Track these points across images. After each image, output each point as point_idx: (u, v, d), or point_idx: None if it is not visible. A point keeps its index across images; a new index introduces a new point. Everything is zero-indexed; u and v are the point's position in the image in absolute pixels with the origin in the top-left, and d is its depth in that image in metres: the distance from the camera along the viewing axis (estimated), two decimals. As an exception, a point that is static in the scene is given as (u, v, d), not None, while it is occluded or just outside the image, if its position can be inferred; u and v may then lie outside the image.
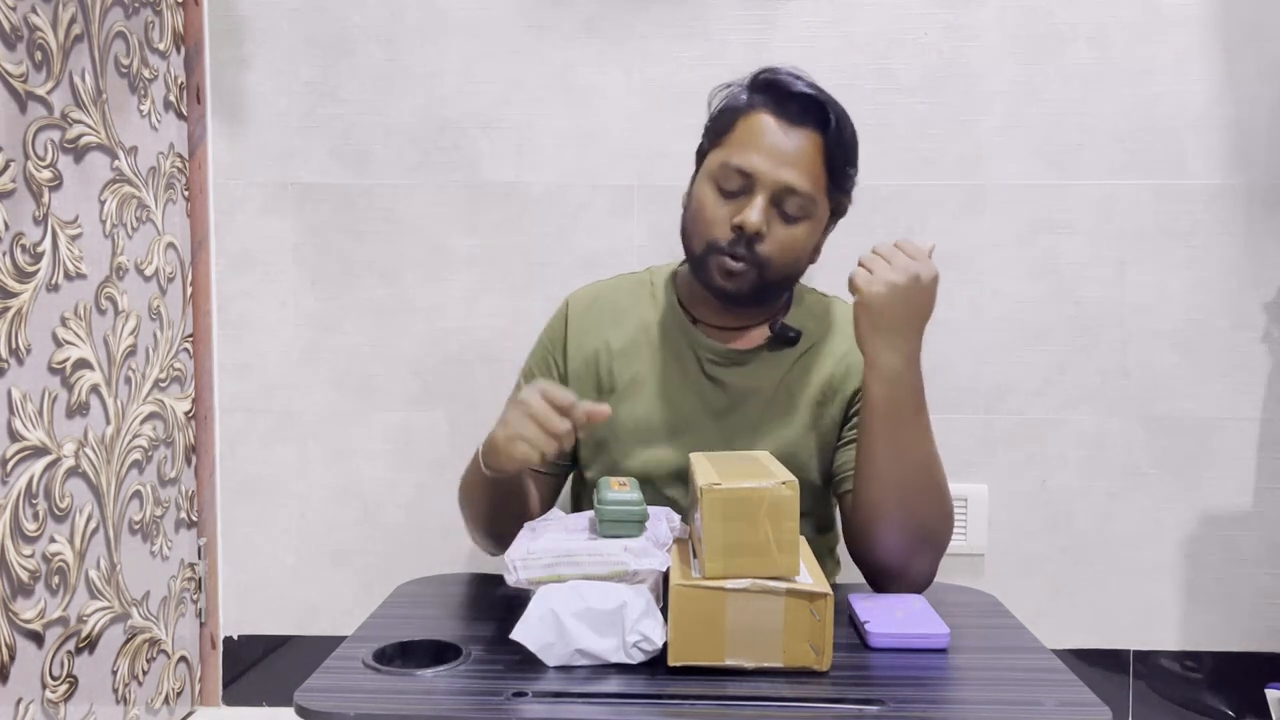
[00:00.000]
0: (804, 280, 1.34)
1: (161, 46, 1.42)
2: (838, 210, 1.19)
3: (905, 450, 1.07)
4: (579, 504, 1.31)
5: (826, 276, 1.46)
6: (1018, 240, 1.47)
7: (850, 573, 1.43)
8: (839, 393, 1.20)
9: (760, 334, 1.21)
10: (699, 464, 0.95)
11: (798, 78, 1.13)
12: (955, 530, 1.45)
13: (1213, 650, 1.50)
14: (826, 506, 1.26)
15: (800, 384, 1.19)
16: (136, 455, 1.36)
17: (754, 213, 1.09)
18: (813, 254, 1.19)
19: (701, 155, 1.19)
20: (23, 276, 1.13)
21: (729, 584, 0.85)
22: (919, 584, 1.11)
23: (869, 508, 1.09)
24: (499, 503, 1.13)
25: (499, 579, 0.94)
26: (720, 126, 1.15)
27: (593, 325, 1.24)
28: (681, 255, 1.21)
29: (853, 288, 1.04)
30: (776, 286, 1.16)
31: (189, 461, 1.51)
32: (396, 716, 0.81)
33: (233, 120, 1.51)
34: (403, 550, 1.54)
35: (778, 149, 1.10)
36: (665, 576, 0.91)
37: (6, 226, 1.10)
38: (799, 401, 1.19)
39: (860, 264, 1.05)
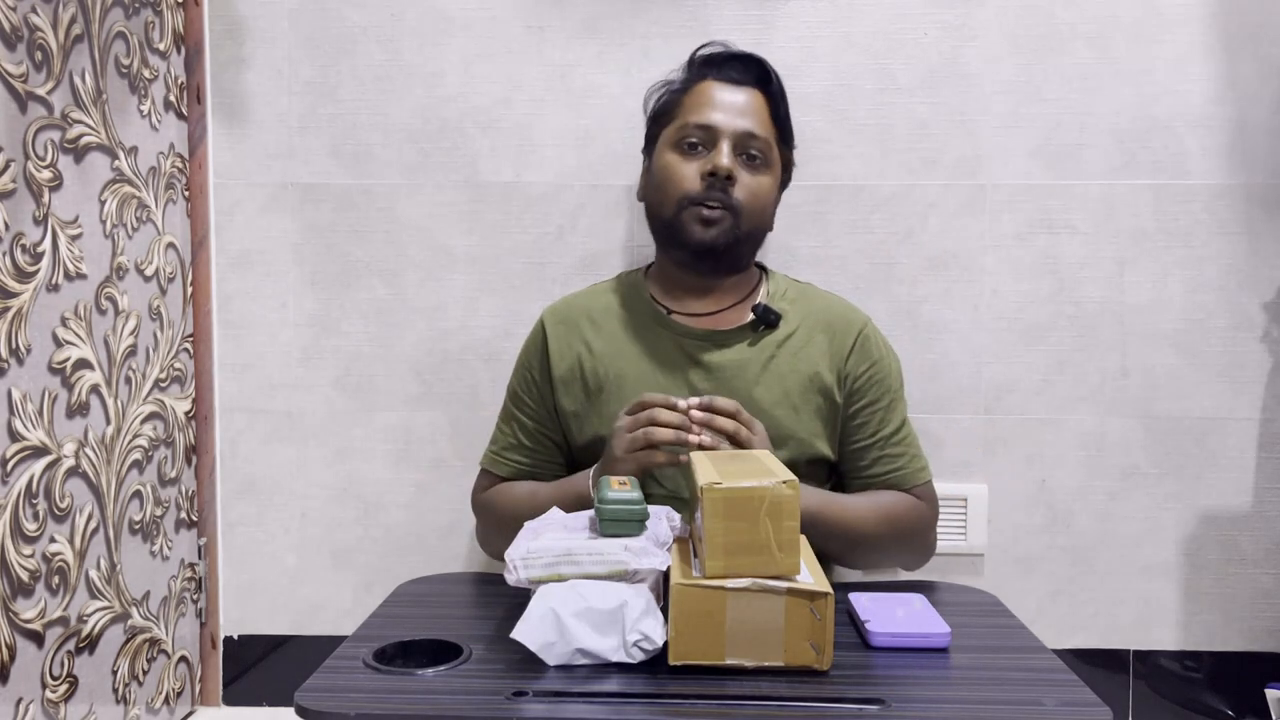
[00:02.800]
0: (791, 273, 1.35)
1: (161, 47, 1.42)
2: (787, 167, 1.26)
3: (827, 534, 1.13)
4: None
5: (824, 275, 1.46)
6: (1018, 240, 1.47)
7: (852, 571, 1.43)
8: (830, 399, 1.23)
9: (736, 315, 1.25)
10: (699, 463, 0.95)
11: (728, 46, 1.24)
12: (955, 530, 1.48)
13: (1213, 650, 1.49)
14: (830, 470, 1.28)
15: (790, 367, 1.22)
16: (136, 455, 1.36)
17: (724, 157, 1.16)
18: (774, 212, 1.26)
19: (651, 142, 1.26)
20: (23, 276, 1.13)
21: (729, 583, 0.85)
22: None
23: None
24: None
25: (499, 579, 0.94)
26: (666, 107, 1.24)
27: (571, 333, 1.28)
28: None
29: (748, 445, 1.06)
30: (748, 241, 1.21)
31: (189, 461, 1.51)
32: (396, 716, 0.81)
33: (233, 120, 1.51)
34: (403, 550, 1.54)
35: (730, 103, 1.19)
36: (666, 575, 0.91)
37: (6, 226, 1.10)
38: (790, 384, 1.21)
39: (736, 432, 1.06)
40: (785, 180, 1.27)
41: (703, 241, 1.17)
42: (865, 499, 1.21)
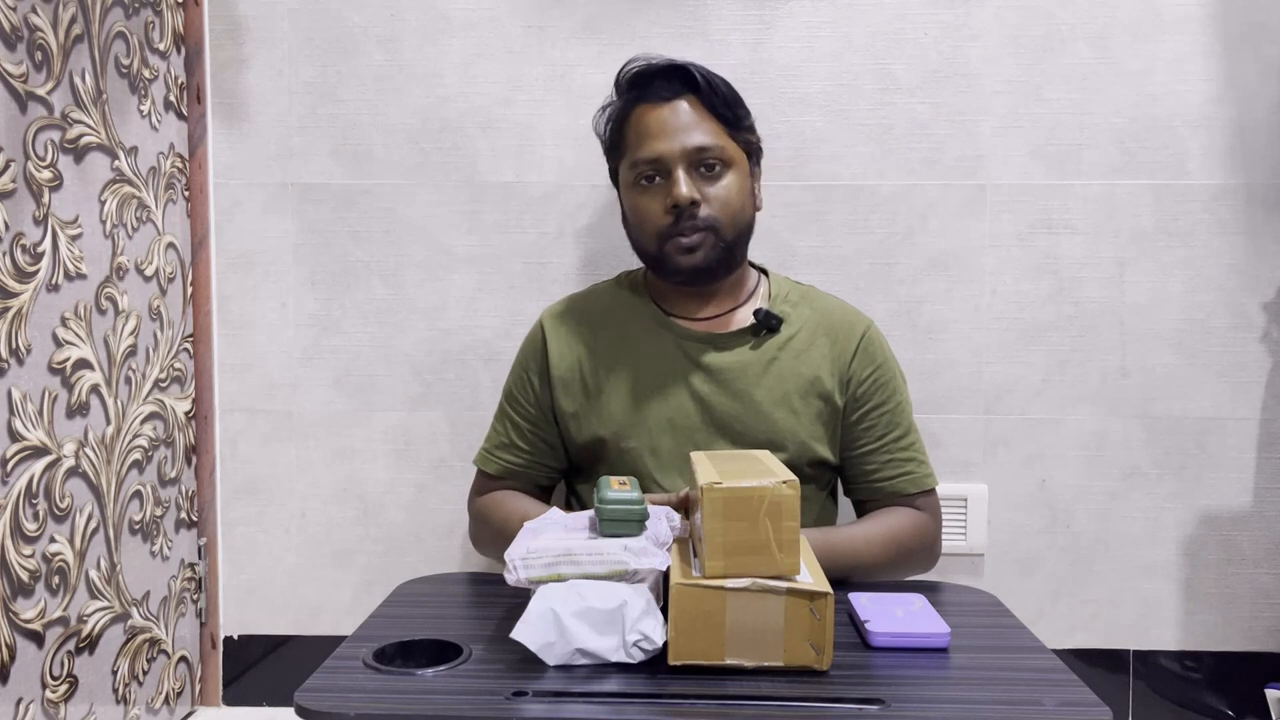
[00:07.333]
0: (791, 273, 1.35)
1: (161, 47, 1.42)
2: (750, 150, 1.23)
3: (834, 570, 1.05)
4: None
5: (824, 275, 1.46)
6: (1018, 240, 1.47)
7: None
8: (830, 403, 1.22)
9: (735, 319, 1.25)
10: (699, 463, 0.95)
11: (652, 60, 1.21)
12: (955, 530, 1.48)
13: (1213, 650, 1.49)
14: (830, 473, 1.27)
15: (791, 369, 1.22)
16: (136, 455, 1.36)
17: (681, 187, 1.15)
18: (753, 201, 1.24)
19: (615, 175, 1.26)
20: (23, 276, 1.13)
21: (729, 583, 0.85)
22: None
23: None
24: None
25: (499, 579, 0.94)
26: (615, 140, 1.23)
27: (571, 334, 1.27)
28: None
29: None
30: (735, 244, 1.20)
31: (189, 461, 1.51)
32: (396, 716, 0.81)
33: (233, 120, 1.51)
34: (403, 550, 1.54)
35: (667, 125, 1.17)
36: (665, 575, 0.91)
37: (6, 226, 1.10)
38: (791, 386, 1.21)
39: None
40: (756, 159, 1.25)
41: (692, 267, 1.18)
42: (869, 527, 1.19)
